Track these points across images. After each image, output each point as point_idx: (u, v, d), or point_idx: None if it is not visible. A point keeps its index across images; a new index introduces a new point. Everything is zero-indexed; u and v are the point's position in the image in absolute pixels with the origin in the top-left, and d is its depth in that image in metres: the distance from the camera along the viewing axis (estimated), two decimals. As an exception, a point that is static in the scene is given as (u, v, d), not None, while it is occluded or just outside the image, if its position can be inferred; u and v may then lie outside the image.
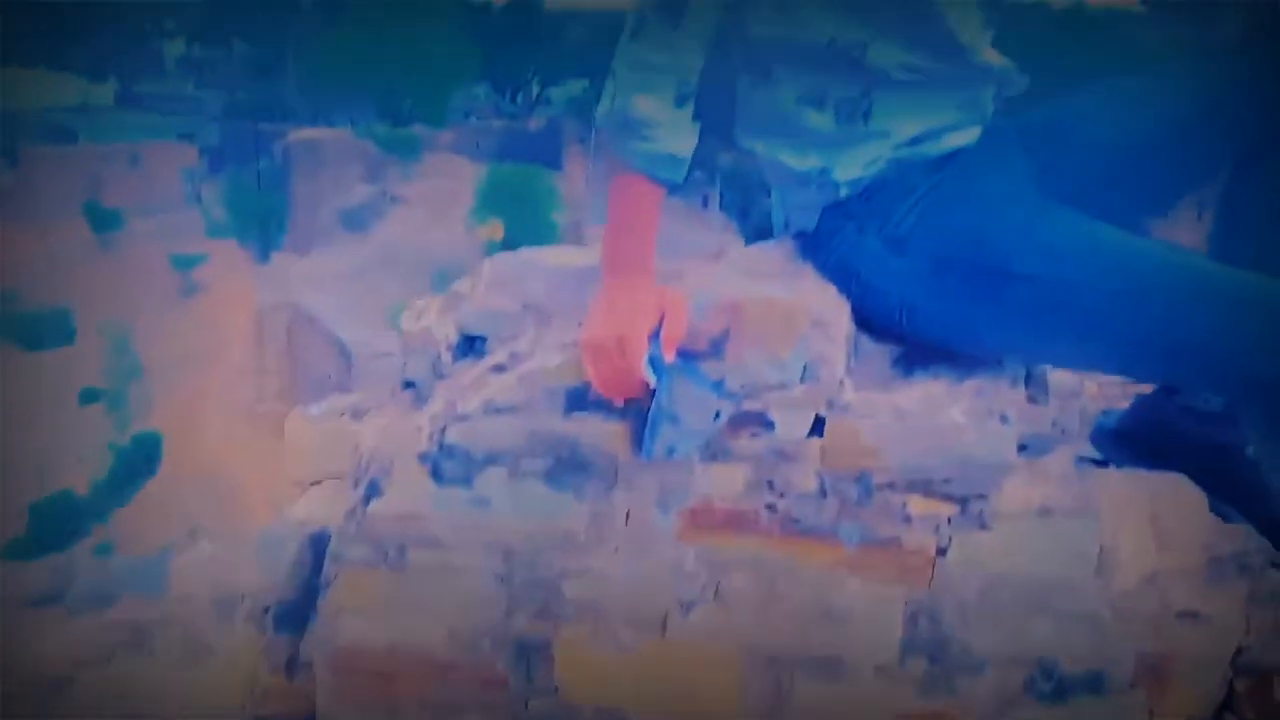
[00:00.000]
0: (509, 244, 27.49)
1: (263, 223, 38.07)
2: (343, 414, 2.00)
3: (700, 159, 1.63)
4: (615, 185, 1.60)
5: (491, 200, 27.79)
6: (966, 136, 1.70)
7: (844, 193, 1.68)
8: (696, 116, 1.59)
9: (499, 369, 1.71)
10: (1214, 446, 1.74)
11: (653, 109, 1.53)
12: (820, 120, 1.67)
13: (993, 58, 1.69)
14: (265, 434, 27.03)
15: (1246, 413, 1.54)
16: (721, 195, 30.61)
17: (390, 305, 26.51)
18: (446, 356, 1.83)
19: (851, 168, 1.67)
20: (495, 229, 27.73)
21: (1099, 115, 1.75)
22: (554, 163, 36.71)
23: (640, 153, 1.55)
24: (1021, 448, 1.64)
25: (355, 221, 30.63)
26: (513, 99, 58.46)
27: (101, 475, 32.91)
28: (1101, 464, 1.77)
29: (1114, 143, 1.73)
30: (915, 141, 1.67)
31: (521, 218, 27.75)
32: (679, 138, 1.56)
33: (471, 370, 1.75)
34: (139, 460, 32.82)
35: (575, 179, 36.70)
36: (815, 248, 1.75)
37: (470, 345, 1.81)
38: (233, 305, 35.57)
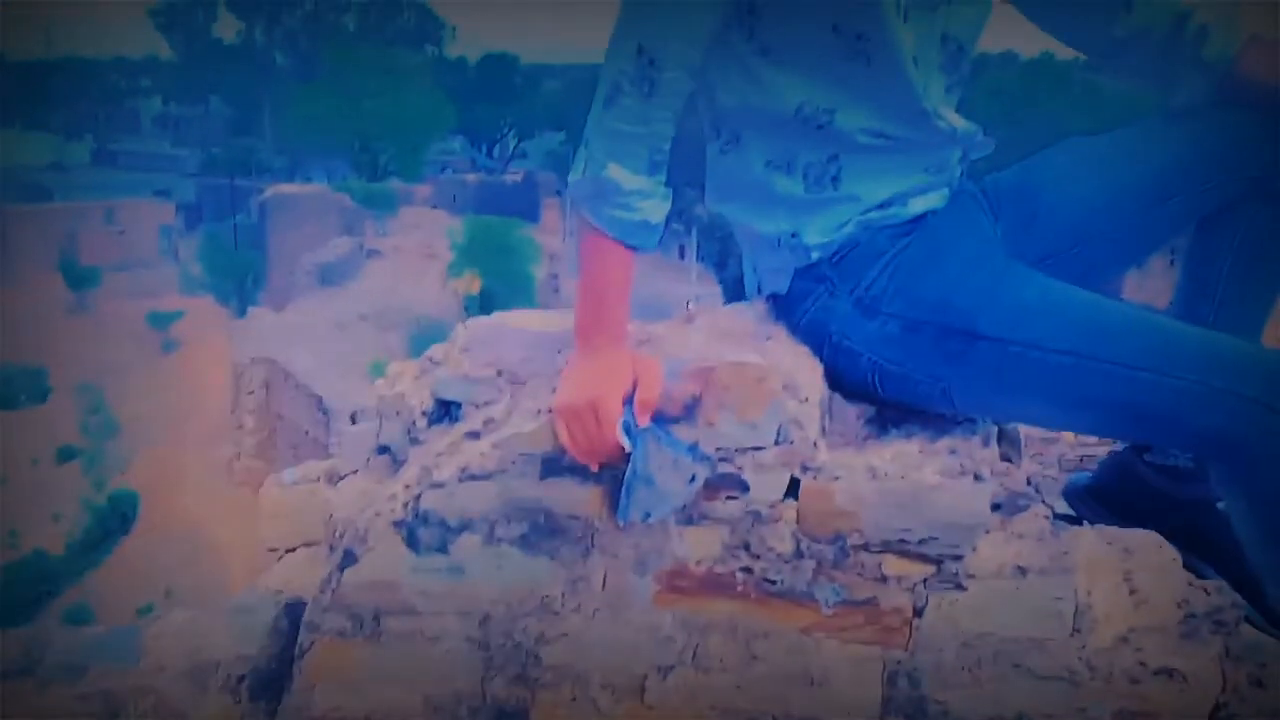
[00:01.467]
0: (486, 296, 27.55)
1: (239, 278, 38.05)
2: (317, 480, 1.99)
3: (677, 209, 1.64)
4: (587, 247, 1.61)
5: (468, 253, 27.84)
6: (934, 200, 1.72)
7: (815, 256, 1.70)
8: (669, 183, 1.61)
9: (474, 435, 1.71)
10: (1185, 503, 1.75)
11: (626, 177, 1.55)
12: (789, 185, 1.69)
13: (957, 121, 1.71)
14: (243, 491, 26.84)
15: (1214, 469, 1.55)
16: (699, 246, 30.76)
17: (368, 360, 26.47)
18: (421, 422, 1.82)
19: (822, 231, 1.69)
20: (472, 282, 27.76)
21: (1064, 177, 1.78)
22: (531, 215, 36.92)
23: (614, 220, 1.57)
24: (995, 506, 1.65)
25: (332, 276, 30.62)
26: (489, 152, 58.76)
27: (76, 535, 32.58)
28: (1075, 522, 1.78)
29: (1079, 204, 1.75)
30: (884, 205, 1.69)
31: (499, 270, 27.80)
32: (652, 205, 1.58)
33: (446, 436, 1.75)
34: (115, 519, 32.51)
35: (552, 231, 36.86)
36: (787, 310, 1.77)
37: (445, 411, 1.81)
38: (209, 361, 35.42)
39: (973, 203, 1.77)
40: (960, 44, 1.71)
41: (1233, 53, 1.71)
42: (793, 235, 1.70)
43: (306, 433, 24.84)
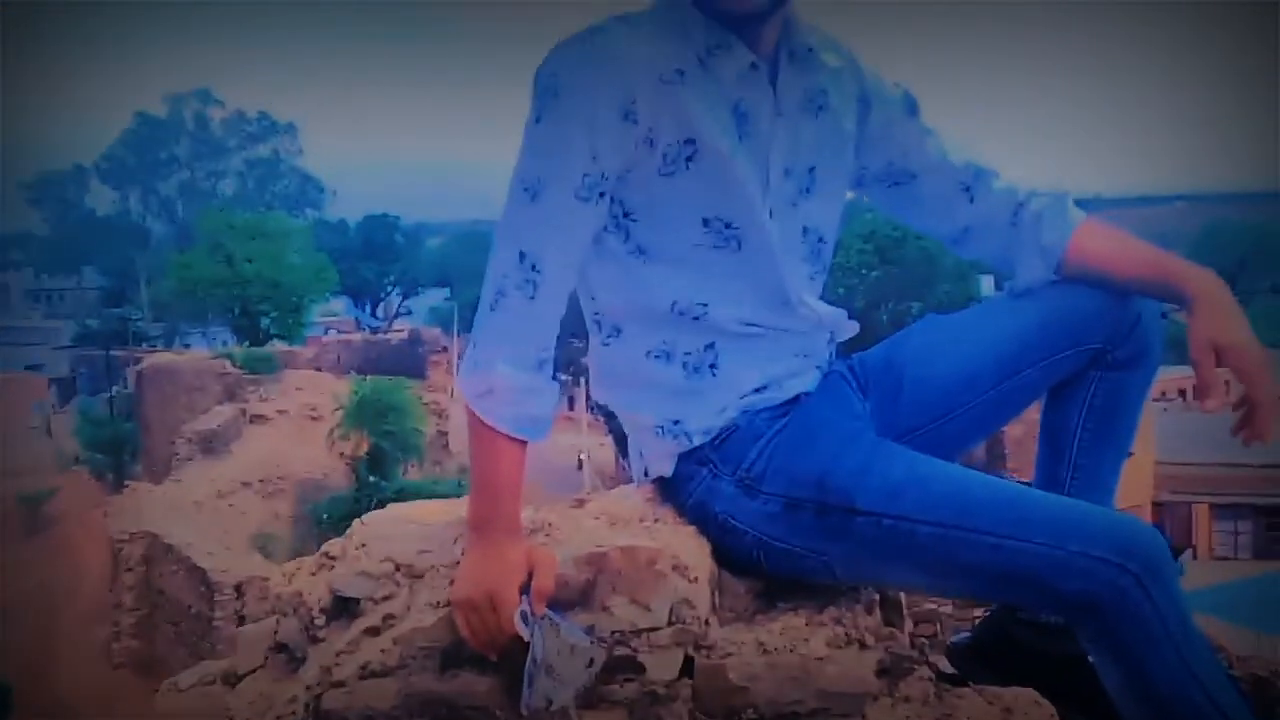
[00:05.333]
0: (375, 457, 27.17)
1: (116, 451, 37.02)
2: (214, 682, 1.98)
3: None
4: (478, 442, 1.68)
5: (355, 415, 27.53)
6: (806, 382, 1.83)
7: (697, 440, 1.79)
8: (555, 377, 1.70)
9: (373, 631, 1.74)
10: (1058, 659, 1.84)
11: (513, 376, 1.64)
12: (670, 374, 1.78)
13: (821, 308, 1.84)
14: (122, 674, 25.64)
15: (1078, 628, 1.64)
16: (588, 396, 30.96)
17: (252, 530, 25.80)
18: (320, 619, 1.84)
19: (702, 417, 1.78)
20: (360, 443, 27.40)
21: (924, 355, 1.90)
22: (417, 372, 36.77)
23: (504, 416, 1.65)
24: (882, 672, 1.72)
25: (213, 444, 29.97)
26: (373, 311, 58.71)
27: (-60, 735, 30.62)
28: (959, 682, 1.86)
29: (939, 380, 1.88)
30: (760, 389, 1.79)
31: (386, 430, 27.52)
32: (540, 400, 1.67)
33: (346, 633, 1.77)
34: (-16, 714, 30.70)
35: (440, 388, 36.71)
36: (674, 492, 1.84)
37: (344, 607, 1.83)
38: (84, 539, 34.12)
39: (842, 382, 1.88)
40: (821, 235, 1.85)
41: (1066, 236, 1.87)
42: (675, 422, 1.79)
43: (189, 608, 23.96)
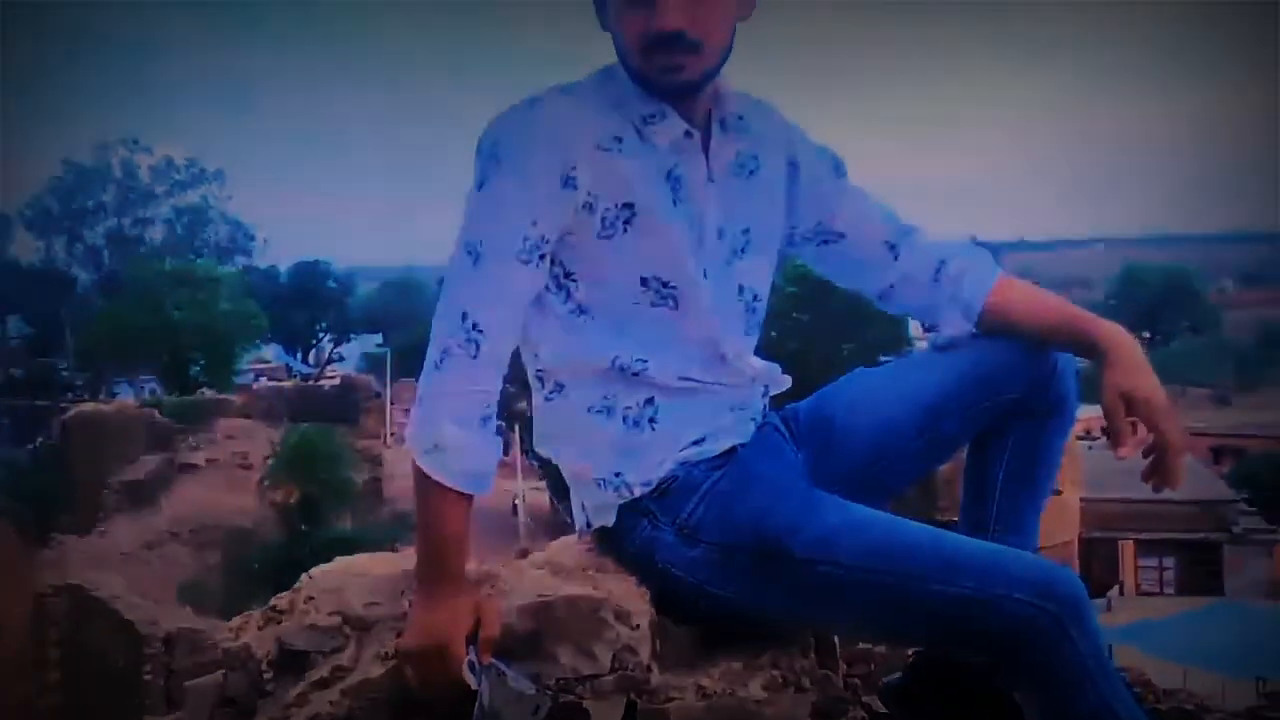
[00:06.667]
0: (307, 506, 26.83)
1: (40, 504, 36.19)
2: (161, 738, 2.00)
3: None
4: (425, 497, 1.73)
5: (286, 463, 27.19)
6: (742, 434, 1.90)
7: (637, 492, 1.85)
8: (500, 432, 1.76)
9: (322, 684, 1.77)
10: (985, 697, 1.92)
11: (458, 434, 1.69)
12: (611, 428, 1.85)
13: (755, 364, 1.92)
14: (46, 733, 24.97)
15: (1002, 668, 1.72)
16: (522, 440, 30.85)
17: (183, 581, 25.34)
18: (268, 673, 1.87)
19: (642, 470, 1.85)
20: (291, 492, 27.05)
21: (852, 406, 1.99)
22: (351, 419, 36.42)
23: (450, 471, 1.70)
24: (817, 714, 1.78)
25: (141, 494, 29.44)
26: (304, 358, 58.15)
27: None
28: (890, 721, 1.93)
29: (867, 430, 1.96)
30: (697, 442, 1.86)
31: (319, 478, 27.19)
32: (484, 455, 1.72)
33: (295, 686, 1.80)
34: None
35: (373, 434, 36.41)
36: (616, 542, 1.90)
37: (293, 660, 1.86)
38: (7, 593, 33.33)
39: (776, 434, 1.96)
40: (755, 293, 1.93)
41: (985, 292, 1.97)
42: (616, 474, 1.85)
43: (117, 662, 23.45)
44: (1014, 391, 1.94)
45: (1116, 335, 1.85)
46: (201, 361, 40.01)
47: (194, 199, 50.53)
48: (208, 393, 38.26)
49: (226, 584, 24.75)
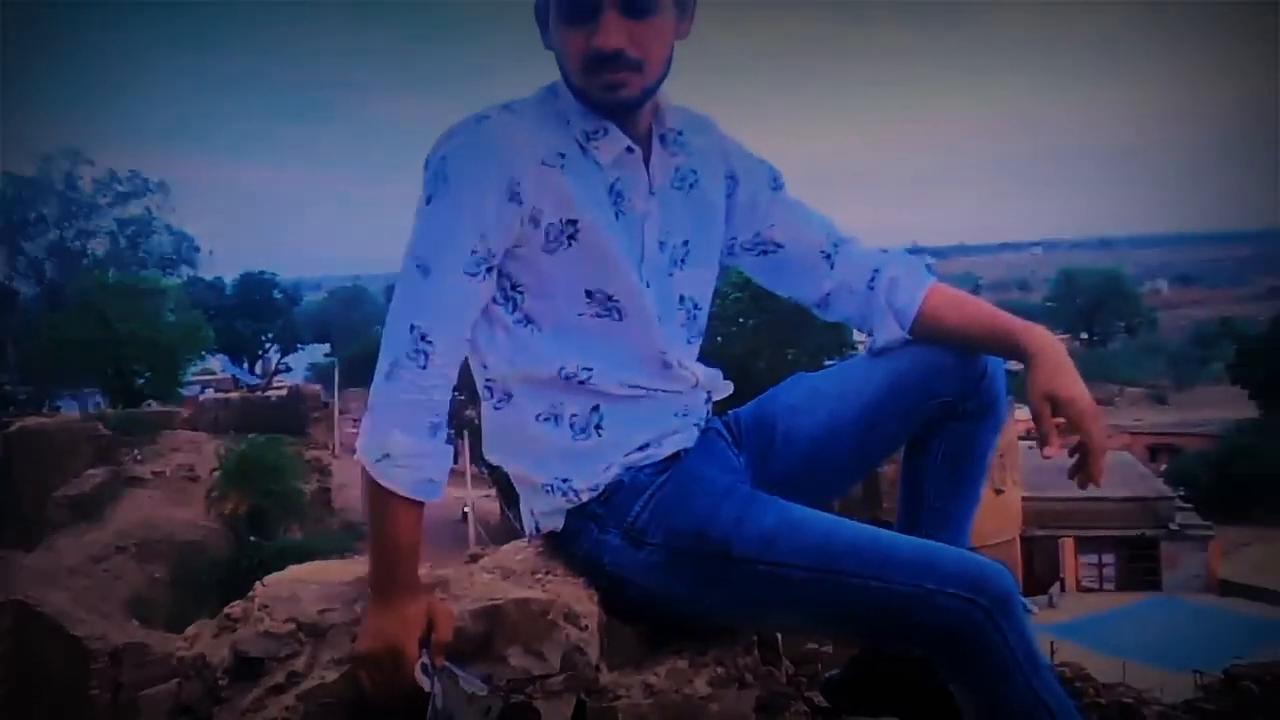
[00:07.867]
0: (256, 517, 26.60)
1: (-19, 519, 35.57)
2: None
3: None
4: (376, 505, 1.77)
5: (233, 475, 26.96)
6: (685, 439, 1.96)
7: (585, 497, 1.91)
8: (450, 441, 1.81)
9: (277, 690, 1.81)
10: (921, 691, 1.99)
11: (409, 442, 1.74)
12: (558, 435, 1.90)
13: (698, 371, 1.98)
14: (-10, 753, 24.55)
15: (939, 662, 1.79)
16: (471, 449, 30.78)
17: (129, 595, 25.03)
18: (224, 680, 1.90)
19: (589, 475, 1.90)
20: (239, 504, 26.80)
21: (791, 411, 2.06)
22: (298, 430, 36.15)
23: (401, 479, 1.75)
24: (761, 708, 1.84)
25: (87, 509, 29.04)
26: (251, 369, 57.64)
27: None
28: (832, 716, 1.99)
29: (806, 434, 2.03)
30: (642, 448, 1.92)
31: (267, 489, 26.97)
32: (435, 463, 1.77)
33: (250, 693, 1.84)
34: None
35: (322, 444, 36.17)
36: (564, 546, 1.96)
37: (248, 667, 1.90)
38: (-51, 612, 32.71)
39: (719, 438, 2.02)
40: (696, 302, 2.00)
41: (918, 300, 2.04)
42: (564, 480, 1.91)
43: (63, 678, 23.11)
44: (947, 394, 2.01)
45: (1042, 339, 1.92)
46: (146, 374, 39.51)
47: (137, 210, 49.87)
48: (153, 405, 37.80)
49: (175, 597, 24.48)
